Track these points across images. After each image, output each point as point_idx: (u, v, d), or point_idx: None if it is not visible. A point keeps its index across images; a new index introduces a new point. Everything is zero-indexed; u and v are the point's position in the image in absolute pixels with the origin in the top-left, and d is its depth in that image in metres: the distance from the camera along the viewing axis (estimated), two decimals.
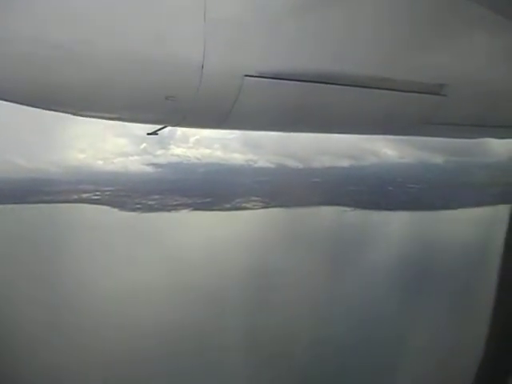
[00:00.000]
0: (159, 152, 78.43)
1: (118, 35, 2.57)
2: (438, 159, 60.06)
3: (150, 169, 72.99)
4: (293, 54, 2.98)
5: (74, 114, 2.97)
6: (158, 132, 3.52)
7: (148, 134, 3.53)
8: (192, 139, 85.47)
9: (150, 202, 55.53)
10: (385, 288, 37.75)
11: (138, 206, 54.49)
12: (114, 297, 33.86)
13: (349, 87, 3.14)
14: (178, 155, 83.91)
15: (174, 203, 56.07)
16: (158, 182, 64.27)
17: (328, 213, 54.55)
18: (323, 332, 28.22)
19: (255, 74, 2.89)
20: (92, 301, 32.96)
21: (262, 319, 29.78)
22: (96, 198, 56.55)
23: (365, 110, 3.42)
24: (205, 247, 42.92)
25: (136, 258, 40.14)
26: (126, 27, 2.58)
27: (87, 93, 2.70)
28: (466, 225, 48.98)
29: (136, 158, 78.72)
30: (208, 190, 60.05)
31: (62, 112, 2.91)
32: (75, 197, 55.87)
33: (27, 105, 2.70)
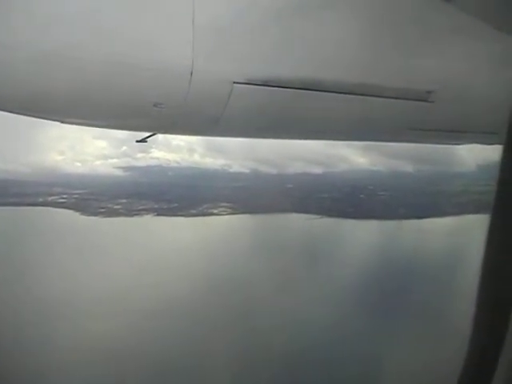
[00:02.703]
0: (139, 155, 78.11)
1: (106, 42, 2.54)
2: (409, 168, 59.30)
3: (124, 172, 72.71)
4: (281, 61, 2.98)
5: (62, 122, 2.93)
6: (147, 139, 3.49)
7: (137, 141, 3.50)
8: (173, 143, 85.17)
9: (115, 207, 55.16)
10: (341, 297, 36.93)
11: (102, 210, 54.13)
12: (59, 299, 33.54)
13: (337, 94, 3.15)
14: (157, 158, 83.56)
15: (140, 208, 55.68)
16: (130, 186, 64.01)
17: (294, 221, 53.80)
18: (285, 337, 28.06)
19: (244, 81, 2.87)
20: (40, 303, 32.44)
21: (220, 324, 29.73)
22: (62, 201, 56.37)
23: (353, 117, 3.45)
24: (158, 253, 42.37)
25: (85, 262, 39.60)
26: (114, 34, 2.56)
27: (75, 100, 2.67)
28: (435, 234, 48.10)
29: (115, 160, 78.48)
30: (178, 194, 59.61)
31: (50, 119, 2.86)
32: (40, 200, 55.70)
33: (14, 112, 2.67)
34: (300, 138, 4.25)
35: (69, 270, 37.73)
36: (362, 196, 57.17)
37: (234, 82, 2.86)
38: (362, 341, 27.05)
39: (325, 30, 3.05)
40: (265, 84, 2.94)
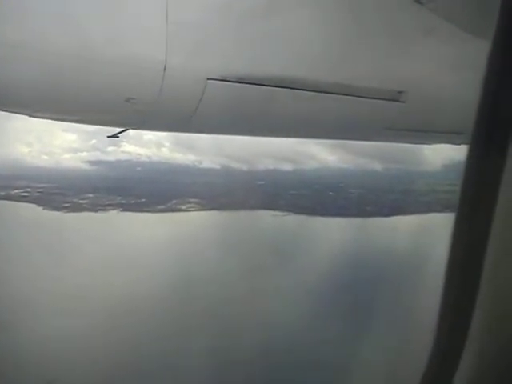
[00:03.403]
0: (109, 149, 76.82)
1: (77, 35, 2.46)
2: (377, 166, 59.58)
3: (92, 166, 71.41)
4: (255, 59, 2.99)
5: (30, 116, 2.84)
6: (119, 135, 3.44)
7: (108, 136, 3.48)
8: (145, 137, 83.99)
9: (80, 201, 54.14)
10: (305, 294, 36.60)
11: (67, 204, 53.14)
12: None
13: (311, 92, 3.16)
14: (129, 153, 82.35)
15: (106, 203, 54.76)
16: (98, 180, 62.87)
17: (262, 217, 53.49)
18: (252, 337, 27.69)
19: (218, 78, 2.85)
20: None
21: (185, 323, 29.30)
22: (25, 194, 55.11)
23: (326, 115, 3.47)
24: (118, 249, 41.65)
25: (45, 258, 38.63)
26: (86, 27, 2.48)
27: (44, 94, 2.59)
28: (401, 232, 48.18)
29: (84, 154, 77.04)
30: (146, 190, 58.79)
31: (17, 113, 2.78)
32: (2, 193, 54.27)
33: None
34: (274, 136, 4.26)
35: (22, 265, 36.80)
36: (331, 193, 57.05)
37: (208, 79, 2.84)
38: (325, 339, 26.75)
39: (298, 28, 3.06)
40: (239, 81, 2.94)
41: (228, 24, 2.86)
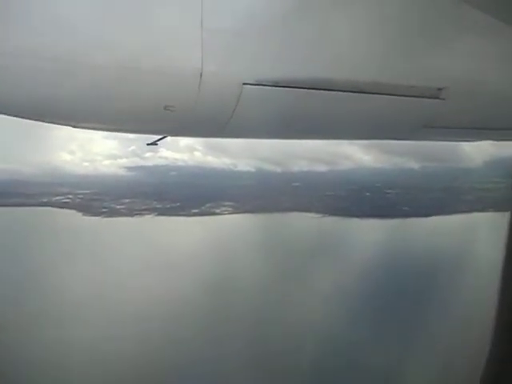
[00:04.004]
0: (148, 154, 78.45)
1: (115, 46, 2.55)
2: (414, 165, 57.69)
3: (132, 172, 73.05)
4: (291, 61, 2.96)
5: (74, 127, 2.94)
6: (158, 142, 3.51)
7: (148, 144, 3.54)
8: (181, 143, 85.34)
9: (118, 206, 55.35)
10: (343, 298, 35.87)
11: (105, 210, 54.44)
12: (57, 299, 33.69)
13: (348, 93, 3.12)
14: (166, 158, 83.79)
15: (143, 207, 55.71)
16: (135, 185, 64.14)
17: (295, 219, 52.87)
18: (293, 340, 27.54)
19: (254, 82, 2.86)
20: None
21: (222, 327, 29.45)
22: (66, 201, 56.93)
23: (365, 116, 3.42)
24: (152, 252, 42.21)
25: (79, 261, 39.62)
26: (123, 38, 2.56)
27: (85, 107, 2.69)
28: (443, 233, 46.41)
29: (124, 160, 79.07)
30: (182, 194, 59.37)
31: (62, 124, 2.90)
32: (45, 200, 56.33)
33: (27, 118, 2.69)
34: (310, 139, 4.24)
35: (61, 270, 37.93)
36: (367, 194, 55.75)
37: (244, 84, 2.83)
38: (366, 342, 26.00)
39: (336, 28, 3.01)
40: (275, 85, 2.89)
41: (263, 27, 2.83)
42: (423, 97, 3.38)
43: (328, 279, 38.01)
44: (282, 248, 43.90)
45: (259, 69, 2.89)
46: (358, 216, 51.86)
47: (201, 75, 2.69)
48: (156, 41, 2.63)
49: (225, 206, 56.83)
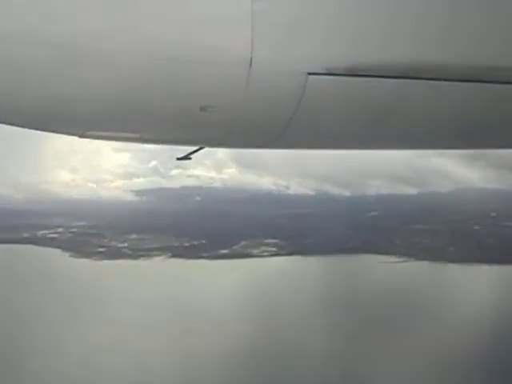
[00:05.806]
0: (173, 172, 64.10)
1: (138, 31, 2.07)
2: None
3: (149, 196, 58.65)
4: (374, 42, 2.37)
5: (81, 136, 2.39)
6: (192, 156, 2.92)
7: (178, 158, 2.91)
8: (217, 156, 70.53)
9: (120, 245, 41.79)
10: None
11: (101, 249, 41.26)
12: None
13: (454, 82, 2.48)
14: (197, 177, 69.12)
15: (153, 246, 41.50)
16: (150, 214, 50.12)
17: (365, 265, 36.93)
18: None
19: (323, 72, 2.32)
20: None
21: None
22: (53, 236, 44.06)
23: (478, 113, 2.67)
24: (158, 317, 27.31)
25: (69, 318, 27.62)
26: (150, 18, 2.08)
27: (99, 106, 2.13)
28: None
29: (141, 180, 65.01)
30: (211, 226, 45.06)
31: (67, 133, 2.38)
32: (26, 235, 43.52)
33: (25, 126, 2.25)
34: (395, 148, 3.43)
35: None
36: (476, 228, 40.21)
37: (309, 73, 2.28)
38: None
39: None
40: (350, 74, 2.32)
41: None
42: None
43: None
44: (342, 310, 29.22)
45: (330, 53, 2.31)
46: (459, 261, 37.08)
47: (250, 64, 2.15)
48: (190, 20, 2.13)
49: (266, 244, 42.82)
